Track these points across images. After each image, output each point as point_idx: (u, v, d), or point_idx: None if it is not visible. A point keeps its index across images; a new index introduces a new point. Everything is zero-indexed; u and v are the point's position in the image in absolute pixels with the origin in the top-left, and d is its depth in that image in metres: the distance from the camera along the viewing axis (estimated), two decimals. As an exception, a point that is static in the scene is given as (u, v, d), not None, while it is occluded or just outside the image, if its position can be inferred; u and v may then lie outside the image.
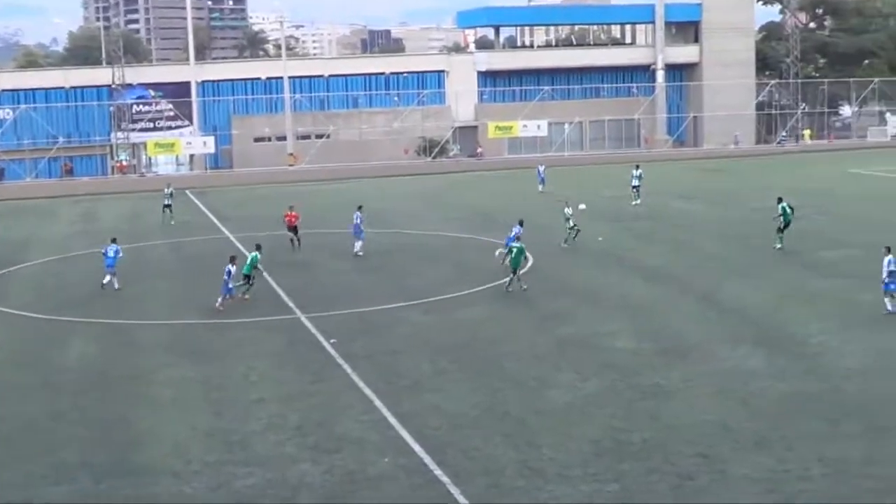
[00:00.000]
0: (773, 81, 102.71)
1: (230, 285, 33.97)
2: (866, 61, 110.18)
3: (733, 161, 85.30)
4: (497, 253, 39.54)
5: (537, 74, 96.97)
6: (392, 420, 22.64)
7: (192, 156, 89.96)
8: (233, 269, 34.02)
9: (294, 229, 45.48)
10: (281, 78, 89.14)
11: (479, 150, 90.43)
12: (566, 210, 44.75)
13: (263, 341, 30.11)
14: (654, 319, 31.54)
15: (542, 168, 66.67)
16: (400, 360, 27.59)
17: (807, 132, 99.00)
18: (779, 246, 42.24)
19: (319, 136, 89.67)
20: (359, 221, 43.24)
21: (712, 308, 32.88)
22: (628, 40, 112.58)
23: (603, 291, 35.69)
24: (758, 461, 19.82)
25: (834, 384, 24.61)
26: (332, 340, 29.71)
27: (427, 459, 20.27)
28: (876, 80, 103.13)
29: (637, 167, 59.12)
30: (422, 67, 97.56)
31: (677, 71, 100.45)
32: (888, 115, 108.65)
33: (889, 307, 30.83)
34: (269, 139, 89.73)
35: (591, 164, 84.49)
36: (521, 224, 39.75)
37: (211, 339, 30.67)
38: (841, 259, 40.28)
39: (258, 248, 36.59)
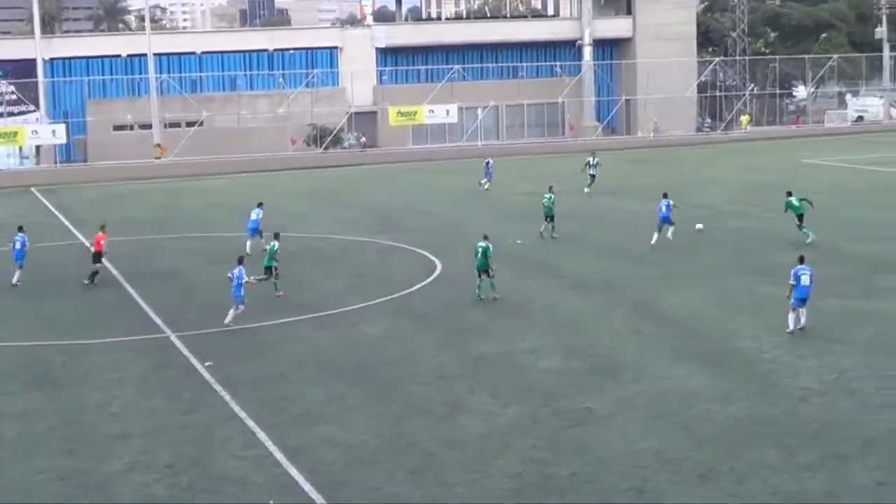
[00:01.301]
0: (716, 59, 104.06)
1: (241, 292, 33.29)
2: (823, 35, 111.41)
3: (671, 151, 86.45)
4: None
5: (446, 51, 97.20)
6: (279, 455, 22.48)
7: (38, 147, 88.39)
8: (244, 271, 33.39)
9: (98, 256, 40.67)
10: (144, 55, 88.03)
11: (362, 138, 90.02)
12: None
13: (126, 365, 29.71)
14: (583, 334, 31.77)
15: (490, 161, 66.70)
16: (288, 385, 27.43)
17: (744, 118, 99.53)
18: (809, 240, 43.66)
19: (191, 124, 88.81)
20: (257, 218, 45.09)
21: (649, 320, 33.23)
22: (550, 12, 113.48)
23: (523, 303, 35.87)
24: (703, 496, 20.04)
25: (789, 407, 25.02)
26: (207, 363, 29.42)
27: (320, 501, 20.16)
28: (834, 56, 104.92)
29: (594, 155, 62.98)
30: (311, 43, 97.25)
31: (607, 47, 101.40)
32: (848, 96, 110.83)
33: (791, 326, 31.17)
34: (132, 127, 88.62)
35: (509, 154, 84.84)
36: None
37: (64, 363, 30.17)
38: (794, 262, 40.98)
39: (276, 236, 38.11)
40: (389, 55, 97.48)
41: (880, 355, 28.78)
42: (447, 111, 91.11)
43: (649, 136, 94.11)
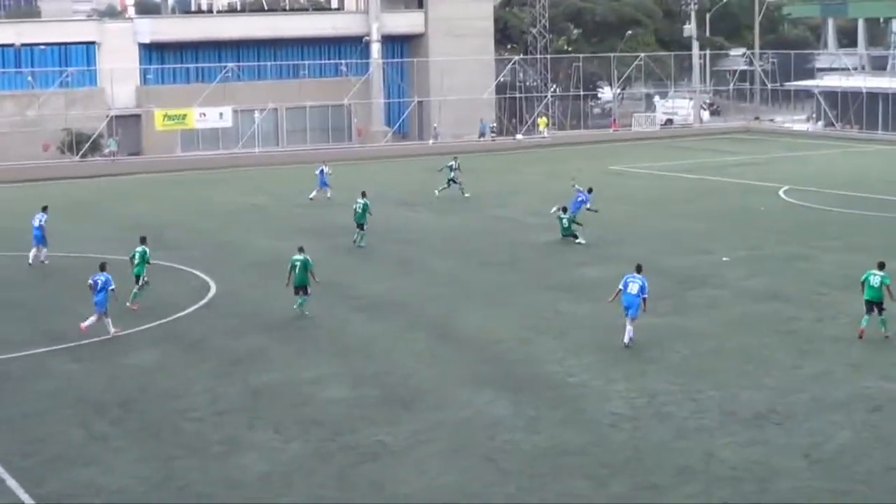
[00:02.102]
0: (516, 57, 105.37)
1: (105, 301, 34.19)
2: (629, 32, 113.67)
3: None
4: None
5: (218, 48, 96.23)
6: (31, 505, 21.93)
7: None
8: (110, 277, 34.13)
9: None
10: None
11: (109, 151, 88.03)
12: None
13: None
14: (375, 360, 31.82)
15: (325, 168, 66.19)
16: (41, 425, 26.78)
17: (541, 121, 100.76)
18: (579, 240, 47.30)
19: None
20: (41, 223, 46.61)
21: (447, 343, 33.48)
22: (335, 5, 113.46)
23: (307, 326, 35.77)
24: (508, 534, 20.23)
25: (599, 434, 25.49)
26: (-54, 402, 28.51)
27: (80, 555, 19.70)
28: (641, 54, 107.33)
29: (455, 158, 65.60)
30: (64, 38, 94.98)
31: (397, 44, 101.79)
32: (657, 98, 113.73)
33: (628, 337, 32.37)
34: None
35: (290, 163, 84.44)
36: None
37: None
38: (602, 279, 41.86)
39: (143, 240, 39.77)
40: (155, 52, 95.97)
41: (692, 376, 29.62)
42: (220, 114, 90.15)
43: (429, 143, 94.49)
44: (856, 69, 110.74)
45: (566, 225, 49.13)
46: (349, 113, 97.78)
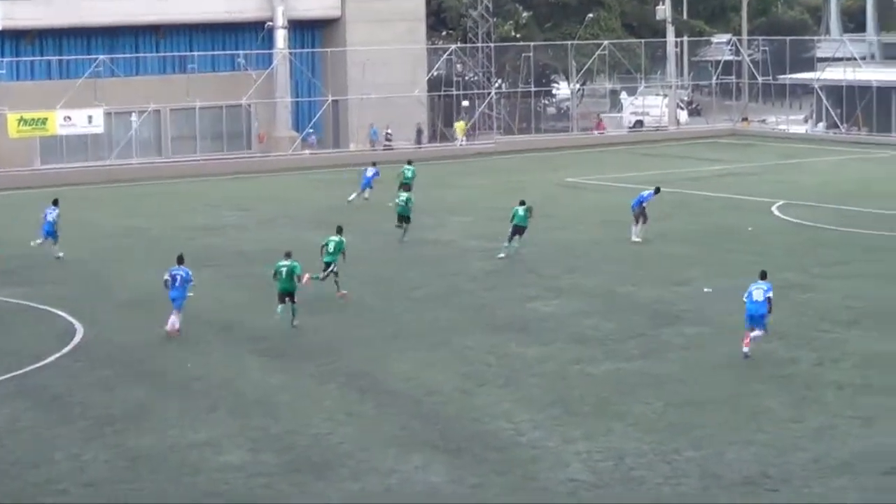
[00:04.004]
0: (452, 46, 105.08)
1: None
2: (590, 15, 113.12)
3: (394, 168, 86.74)
4: None
5: (87, 36, 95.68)
6: None
7: None
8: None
9: None
10: None
11: None
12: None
13: None
14: (279, 418, 31.72)
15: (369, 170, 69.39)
16: None
17: (458, 125, 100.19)
18: (502, 255, 48.69)
19: None
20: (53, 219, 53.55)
21: (368, 396, 33.42)
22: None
23: (196, 377, 35.59)
24: None
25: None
26: None
27: None
28: (605, 42, 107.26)
29: (410, 162, 69.21)
30: None
31: (308, 30, 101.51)
32: (624, 95, 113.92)
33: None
34: None
35: (175, 177, 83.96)
36: None
37: None
38: (556, 315, 42.03)
39: (339, 230, 45.62)
40: (8, 41, 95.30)
41: (668, 433, 29.72)
42: (89, 118, 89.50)
43: (304, 153, 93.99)
44: (864, 59, 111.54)
45: None
46: (249, 115, 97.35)
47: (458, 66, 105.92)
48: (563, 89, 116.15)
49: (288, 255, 40.88)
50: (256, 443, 29.76)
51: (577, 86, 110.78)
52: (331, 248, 44.37)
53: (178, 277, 40.06)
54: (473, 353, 37.54)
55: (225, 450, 29.29)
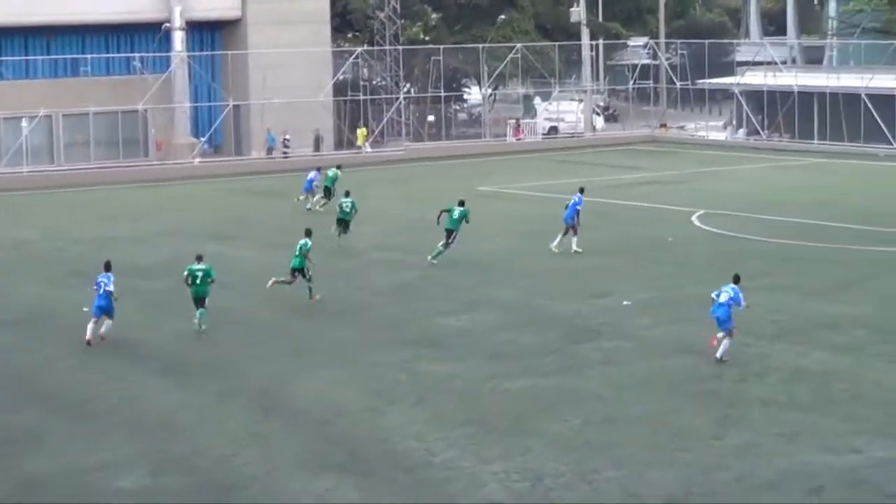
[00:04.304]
0: (359, 49, 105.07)
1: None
2: (502, 17, 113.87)
3: (295, 177, 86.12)
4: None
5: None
6: None
7: None
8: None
9: None
10: None
11: None
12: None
13: None
14: (180, 439, 31.49)
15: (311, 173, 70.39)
16: None
17: (360, 132, 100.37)
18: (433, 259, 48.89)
19: None
20: None
21: (273, 416, 33.26)
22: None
23: (90, 397, 35.24)
24: None
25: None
26: None
27: None
28: (518, 45, 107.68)
29: (339, 167, 71.52)
30: None
31: (207, 32, 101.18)
32: (538, 100, 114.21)
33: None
34: None
35: (68, 186, 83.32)
36: None
37: None
38: (468, 330, 41.87)
39: (308, 233, 46.07)
40: None
41: (587, 452, 29.66)
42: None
43: (194, 162, 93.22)
44: (785, 63, 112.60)
45: None
46: (146, 121, 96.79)
47: (365, 69, 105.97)
48: (474, 94, 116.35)
49: (199, 259, 41.67)
50: (156, 465, 29.41)
51: (489, 90, 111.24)
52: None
53: (102, 284, 40.21)
54: (383, 370, 37.32)
55: (123, 473, 28.90)
